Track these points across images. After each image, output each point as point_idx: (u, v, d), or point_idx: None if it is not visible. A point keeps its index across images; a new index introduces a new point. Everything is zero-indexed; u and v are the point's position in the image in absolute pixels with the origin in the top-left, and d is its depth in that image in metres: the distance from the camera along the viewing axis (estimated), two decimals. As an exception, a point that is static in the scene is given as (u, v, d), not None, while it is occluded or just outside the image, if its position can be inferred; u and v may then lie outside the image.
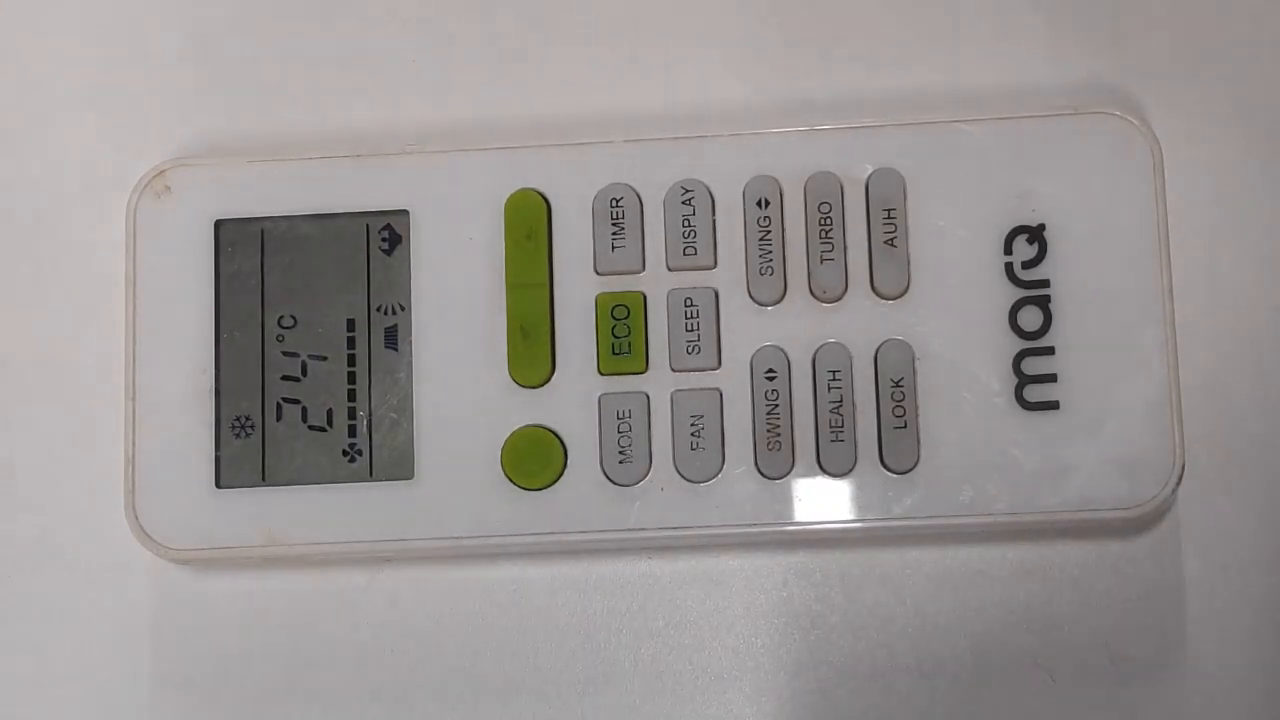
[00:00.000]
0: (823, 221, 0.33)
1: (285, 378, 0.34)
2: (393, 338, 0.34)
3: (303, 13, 0.36)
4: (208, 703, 0.34)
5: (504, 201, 0.34)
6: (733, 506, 0.33)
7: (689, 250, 0.33)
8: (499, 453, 0.33)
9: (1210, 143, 0.35)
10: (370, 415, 0.34)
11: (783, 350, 0.33)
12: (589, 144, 0.34)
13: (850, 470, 0.33)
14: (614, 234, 0.34)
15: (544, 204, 0.34)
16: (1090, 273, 0.33)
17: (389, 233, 0.34)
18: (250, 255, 0.34)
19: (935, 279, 0.33)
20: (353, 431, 0.34)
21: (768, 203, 0.33)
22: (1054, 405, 0.32)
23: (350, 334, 0.34)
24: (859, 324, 0.33)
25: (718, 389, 0.33)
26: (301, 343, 0.34)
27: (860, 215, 0.33)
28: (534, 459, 0.33)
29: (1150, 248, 0.33)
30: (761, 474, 0.33)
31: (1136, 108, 0.34)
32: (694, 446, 0.33)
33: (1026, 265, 0.33)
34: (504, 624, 0.34)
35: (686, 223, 0.34)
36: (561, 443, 0.33)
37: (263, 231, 0.34)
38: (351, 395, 0.34)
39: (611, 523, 0.33)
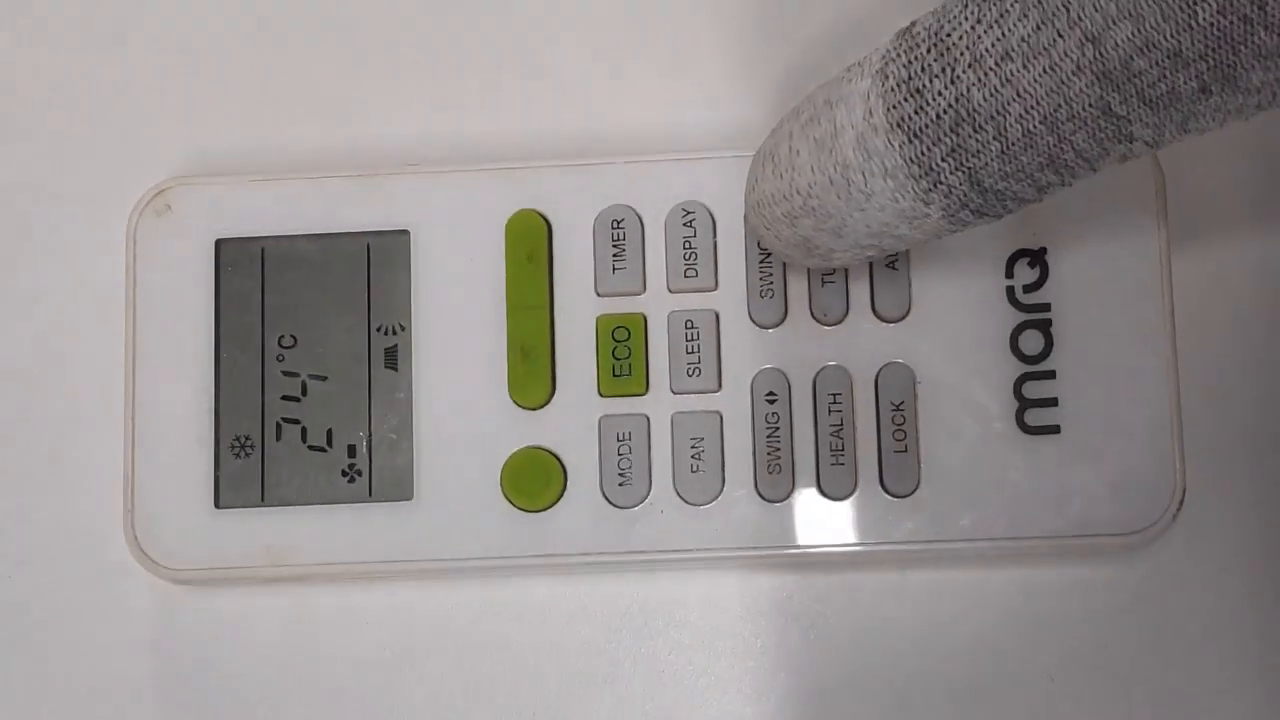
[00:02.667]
0: (824, 244, 0.33)
1: (285, 397, 0.34)
2: (393, 358, 0.34)
3: (304, 32, 0.36)
4: (206, 723, 0.34)
5: (505, 222, 0.34)
6: (732, 529, 0.33)
7: (690, 272, 0.33)
8: (499, 474, 0.33)
9: (1213, 167, 0.35)
10: (370, 436, 0.34)
11: (783, 373, 0.33)
12: (590, 165, 0.34)
13: (850, 493, 0.33)
14: (615, 255, 0.34)
15: (545, 225, 0.34)
16: (1092, 296, 0.33)
17: (389, 253, 0.34)
18: (251, 274, 0.34)
19: (936, 302, 0.33)
20: (352, 452, 0.34)
21: (769, 225, 0.33)
22: (1055, 429, 0.32)
23: (350, 354, 0.34)
24: (860, 346, 0.33)
25: (718, 411, 0.33)
26: (301, 362, 0.34)
27: (861, 238, 0.33)
28: (534, 480, 0.33)
29: (1152, 270, 0.33)
30: (761, 497, 0.33)
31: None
32: (694, 469, 0.33)
33: (1028, 289, 0.33)
34: (503, 645, 0.34)
35: (687, 244, 0.34)
36: (561, 464, 0.33)
37: (263, 251, 0.34)
38: (351, 415, 0.34)
39: (611, 545, 0.33)
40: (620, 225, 0.34)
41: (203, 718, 0.34)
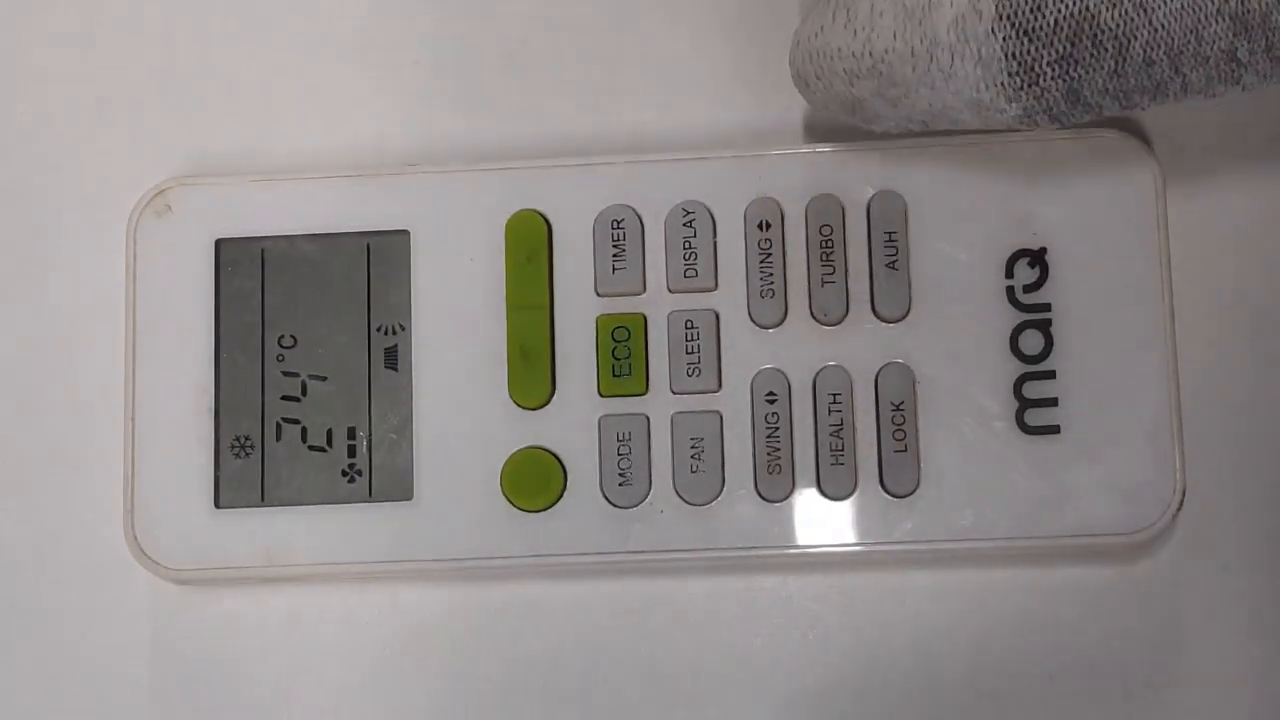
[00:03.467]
0: (824, 244, 0.33)
1: (285, 398, 0.34)
2: (393, 358, 0.34)
3: (304, 32, 0.36)
4: (206, 723, 0.34)
5: (505, 222, 0.34)
6: (733, 529, 0.33)
7: (690, 272, 0.33)
8: (498, 474, 0.33)
9: (1213, 165, 0.35)
10: (370, 436, 0.34)
11: (783, 373, 0.33)
12: (590, 165, 0.34)
13: (850, 493, 0.33)
14: (615, 255, 0.34)
15: (545, 225, 0.34)
16: (1092, 296, 0.33)
17: (389, 253, 0.34)
18: (251, 275, 0.34)
19: (936, 302, 0.33)
20: (352, 452, 0.34)
21: (769, 225, 0.33)
22: (1055, 429, 0.32)
23: (350, 354, 0.34)
24: (860, 347, 0.33)
25: (718, 411, 0.33)
26: (301, 363, 0.34)
27: (861, 238, 0.33)
28: (534, 481, 0.33)
29: (1152, 271, 0.33)
30: (761, 497, 0.33)
31: (1138, 129, 0.34)
32: (694, 469, 0.33)
33: (1028, 289, 0.33)
34: (503, 645, 0.34)
35: (687, 244, 0.34)
36: (561, 464, 0.33)
37: (263, 251, 0.34)
38: (351, 415, 0.34)
39: (611, 545, 0.33)
40: (620, 225, 0.34)
41: (202, 718, 0.34)
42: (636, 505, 0.33)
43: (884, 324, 0.33)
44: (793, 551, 0.33)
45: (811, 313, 0.33)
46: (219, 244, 0.34)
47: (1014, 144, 0.33)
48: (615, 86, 0.36)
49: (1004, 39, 0.26)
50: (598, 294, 0.34)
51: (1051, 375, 0.33)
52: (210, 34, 0.37)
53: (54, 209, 0.36)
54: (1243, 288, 0.34)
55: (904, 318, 0.33)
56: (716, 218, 0.34)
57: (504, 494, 0.33)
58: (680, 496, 0.33)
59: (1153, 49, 0.26)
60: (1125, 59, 0.26)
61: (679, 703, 0.34)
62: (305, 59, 0.36)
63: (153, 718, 0.34)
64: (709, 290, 0.33)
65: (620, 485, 0.33)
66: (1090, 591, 0.33)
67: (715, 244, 0.34)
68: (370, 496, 0.33)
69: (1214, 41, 0.26)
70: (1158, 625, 0.33)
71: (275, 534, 0.33)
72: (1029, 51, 0.26)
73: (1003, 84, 0.27)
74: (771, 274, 0.33)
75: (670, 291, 0.34)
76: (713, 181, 0.34)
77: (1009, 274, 0.33)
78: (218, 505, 0.34)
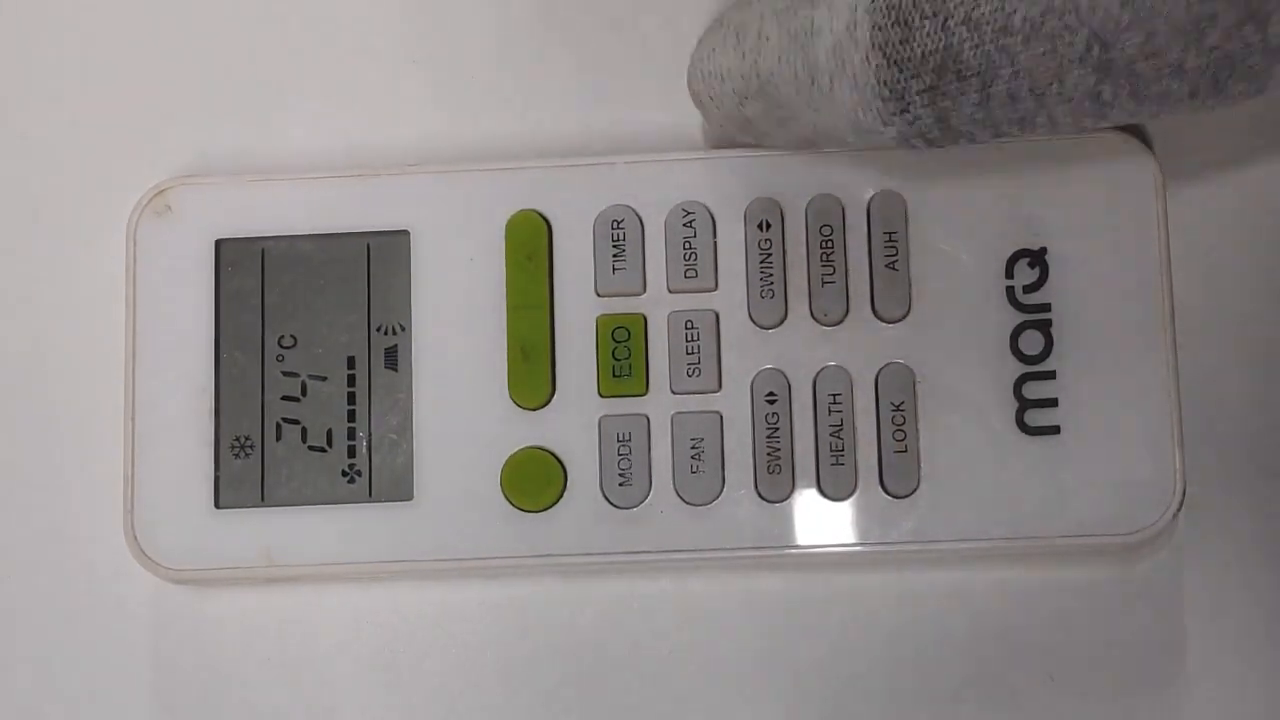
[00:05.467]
0: (824, 244, 0.33)
1: (285, 398, 0.34)
2: (393, 358, 0.34)
3: (304, 32, 0.36)
4: (206, 723, 0.34)
5: (505, 222, 0.34)
6: (733, 529, 0.33)
7: (690, 272, 0.33)
8: (499, 474, 0.33)
9: (1213, 165, 0.35)
10: (370, 436, 0.34)
11: (783, 373, 0.33)
12: (590, 165, 0.34)
13: (850, 494, 0.33)
14: (615, 256, 0.34)
15: (545, 225, 0.34)
16: (1092, 297, 0.33)
17: (389, 253, 0.34)
18: (251, 275, 0.34)
19: (936, 302, 0.33)
20: (352, 452, 0.34)
21: (769, 225, 0.33)
22: (1054, 430, 0.32)
23: (350, 354, 0.34)
24: (860, 347, 0.33)
25: (718, 412, 0.33)
26: (301, 363, 0.34)
27: (861, 238, 0.33)
28: (534, 481, 0.33)
29: (1152, 271, 0.33)
30: (761, 497, 0.33)
31: (1138, 129, 0.34)
32: (694, 469, 0.33)
33: (1028, 289, 0.33)
34: (503, 645, 0.34)
35: (687, 245, 0.34)
36: (561, 465, 0.33)
37: (263, 251, 0.34)
38: (351, 416, 0.34)
39: (611, 545, 0.33)
40: (620, 225, 0.34)
41: (202, 718, 0.34)
42: (636, 505, 0.33)
43: (884, 324, 0.33)
44: (793, 551, 0.33)
45: (811, 313, 0.33)
46: (219, 244, 0.34)
47: (1014, 144, 0.33)
48: (615, 86, 0.36)
49: (876, 67, 0.27)
50: (598, 294, 0.34)
51: (1051, 375, 0.33)
52: (210, 34, 0.37)
53: (54, 209, 0.36)
54: (1243, 288, 0.34)
55: (904, 318, 0.33)
56: (716, 218, 0.34)
57: (504, 494, 0.33)
58: (680, 496, 0.33)
59: (1016, 87, 0.27)
60: (990, 95, 0.27)
61: (679, 703, 0.34)
62: (305, 59, 0.36)
63: (153, 718, 0.34)
64: (709, 290, 0.33)
65: (620, 485, 0.33)
66: (1090, 591, 0.34)
67: (715, 244, 0.34)
68: (370, 497, 0.33)
69: (1077, 85, 0.26)
70: (1158, 625, 0.33)
71: (275, 534, 0.33)
72: (899, 80, 0.27)
73: (878, 109, 0.28)
74: (771, 274, 0.33)
75: (670, 291, 0.34)
76: (713, 181, 0.34)
77: (1009, 274, 0.33)
78: (218, 505, 0.34)
